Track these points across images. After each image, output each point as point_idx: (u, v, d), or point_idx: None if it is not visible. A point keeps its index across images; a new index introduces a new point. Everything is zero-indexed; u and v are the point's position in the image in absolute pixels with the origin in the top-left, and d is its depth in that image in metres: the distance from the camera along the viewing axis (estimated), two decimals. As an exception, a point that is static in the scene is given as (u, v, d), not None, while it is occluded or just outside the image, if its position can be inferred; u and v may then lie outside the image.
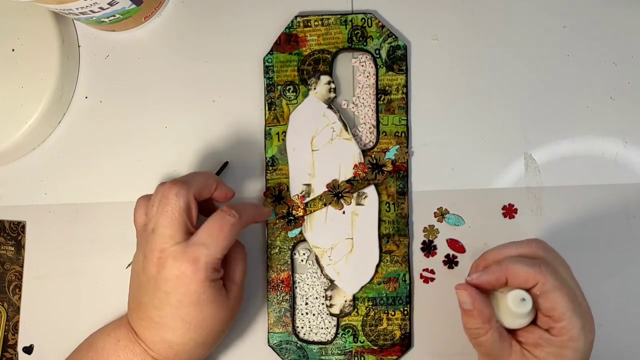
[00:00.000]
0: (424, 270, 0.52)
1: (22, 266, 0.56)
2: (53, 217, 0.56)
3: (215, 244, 0.43)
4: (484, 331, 0.40)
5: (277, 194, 0.53)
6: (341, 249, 0.52)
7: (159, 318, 0.44)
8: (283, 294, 0.52)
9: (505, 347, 0.40)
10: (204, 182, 0.46)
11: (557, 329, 0.39)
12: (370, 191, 0.52)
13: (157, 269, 0.43)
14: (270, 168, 0.54)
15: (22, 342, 0.56)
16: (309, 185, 0.53)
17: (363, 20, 0.53)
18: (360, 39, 0.53)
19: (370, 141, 0.53)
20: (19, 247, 0.56)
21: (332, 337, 0.52)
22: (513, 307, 0.39)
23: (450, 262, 0.52)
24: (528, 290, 0.39)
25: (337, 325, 0.52)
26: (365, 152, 0.53)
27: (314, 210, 0.53)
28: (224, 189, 0.48)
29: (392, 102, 0.53)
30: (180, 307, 0.43)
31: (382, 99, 0.53)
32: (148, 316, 0.45)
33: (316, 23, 0.54)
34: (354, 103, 0.54)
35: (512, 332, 0.41)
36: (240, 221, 0.45)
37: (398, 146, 0.52)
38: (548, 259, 0.41)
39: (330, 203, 0.53)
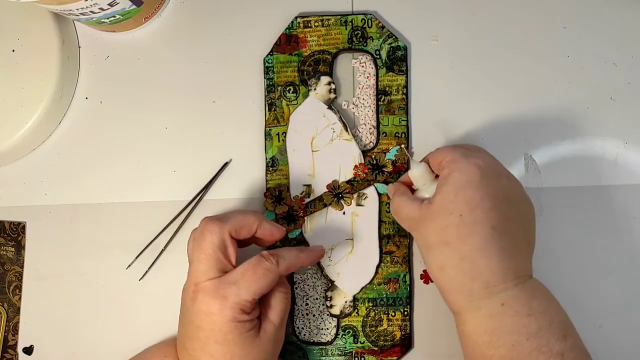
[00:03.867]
0: (424, 271, 0.52)
1: (22, 267, 0.56)
2: (53, 218, 0.56)
3: (246, 286, 0.43)
4: (397, 198, 0.47)
5: (277, 195, 0.53)
6: (341, 249, 0.52)
7: (192, 350, 0.44)
8: (283, 295, 0.52)
9: (415, 204, 0.45)
10: (243, 221, 0.46)
11: (444, 163, 0.44)
12: (371, 192, 0.52)
13: (191, 302, 0.44)
14: (271, 169, 0.54)
15: (22, 342, 0.56)
16: (309, 185, 0.53)
17: (363, 20, 0.53)
18: (361, 39, 0.54)
19: (370, 142, 0.53)
20: (19, 247, 0.56)
21: (333, 337, 0.52)
22: (411, 171, 0.47)
23: (451, 262, 0.52)
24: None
25: (338, 326, 0.52)
26: (365, 152, 0.53)
27: (314, 211, 0.53)
28: (267, 227, 0.47)
29: (392, 103, 0.53)
30: (207, 343, 0.43)
31: (382, 99, 0.53)
32: (183, 346, 0.46)
33: (316, 24, 0.54)
34: (354, 104, 0.54)
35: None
36: (277, 268, 0.44)
37: (398, 147, 0.52)
38: (469, 148, 0.47)
39: (330, 204, 0.53)
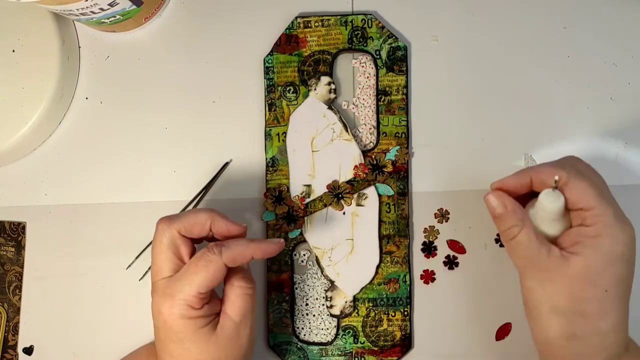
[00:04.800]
0: (424, 271, 0.52)
1: (22, 267, 0.56)
2: (53, 218, 0.56)
3: (189, 280, 0.42)
4: (518, 229, 0.39)
5: (277, 195, 0.53)
6: (341, 249, 0.52)
7: (158, 351, 0.45)
8: (283, 295, 0.52)
9: (543, 248, 0.39)
10: (193, 219, 0.44)
11: (589, 217, 0.38)
12: (371, 192, 0.52)
13: (151, 301, 0.44)
14: (271, 169, 0.54)
15: (22, 342, 0.56)
16: (309, 186, 0.53)
17: (363, 21, 0.53)
18: (361, 39, 0.54)
19: (370, 142, 0.53)
20: (19, 247, 0.56)
21: (333, 338, 0.52)
22: (546, 202, 0.39)
23: (451, 263, 0.52)
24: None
25: (338, 326, 0.52)
26: (365, 152, 0.53)
27: (314, 211, 0.53)
28: (222, 224, 0.45)
29: (393, 103, 0.53)
30: (165, 343, 0.43)
31: (382, 99, 0.53)
32: (154, 345, 0.46)
33: (316, 24, 0.54)
34: (354, 104, 0.54)
35: (552, 242, 0.40)
36: (219, 259, 0.42)
37: (398, 147, 0.52)
38: (574, 162, 0.41)
39: (330, 204, 0.53)
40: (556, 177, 0.39)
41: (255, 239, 0.46)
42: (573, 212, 0.40)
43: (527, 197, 0.43)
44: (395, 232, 0.52)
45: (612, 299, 0.38)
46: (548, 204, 0.39)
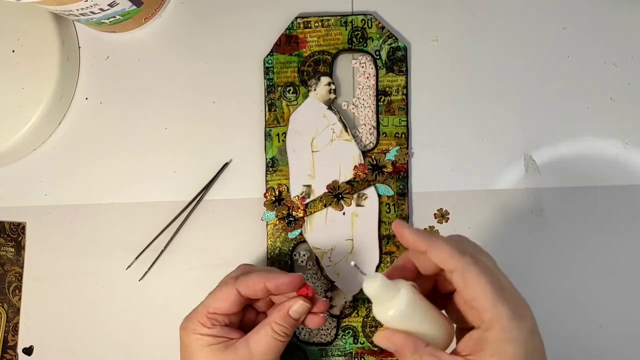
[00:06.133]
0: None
1: (22, 267, 0.56)
2: (53, 218, 0.56)
3: (204, 300, 0.45)
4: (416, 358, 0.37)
5: (277, 195, 0.53)
6: (341, 250, 0.52)
7: None
8: (283, 295, 0.52)
9: None
10: (260, 278, 0.44)
11: (486, 321, 0.36)
12: (371, 192, 0.52)
13: None
14: (271, 169, 0.54)
15: (22, 343, 0.56)
16: (309, 186, 0.53)
17: (363, 21, 0.53)
18: (361, 40, 0.54)
19: (370, 142, 0.53)
20: (19, 248, 0.56)
21: (332, 338, 0.52)
22: (366, 289, 0.37)
23: (451, 263, 0.52)
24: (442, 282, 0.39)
25: (337, 327, 0.52)
26: (365, 153, 0.53)
27: (314, 212, 0.53)
28: (274, 282, 0.44)
29: (392, 103, 0.53)
30: (184, 356, 0.45)
31: (382, 100, 0.53)
32: None
33: (316, 24, 0.54)
34: (354, 104, 0.54)
35: (455, 352, 0.38)
36: (234, 283, 0.44)
37: (398, 147, 0.52)
38: (472, 250, 0.38)
39: (330, 204, 0.53)
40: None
41: (275, 271, 0.46)
42: (467, 307, 0.38)
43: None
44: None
45: None
46: (368, 290, 0.37)
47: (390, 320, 0.37)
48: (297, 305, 0.44)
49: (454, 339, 0.39)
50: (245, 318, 0.47)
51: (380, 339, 0.38)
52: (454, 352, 0.37)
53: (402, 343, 0.37)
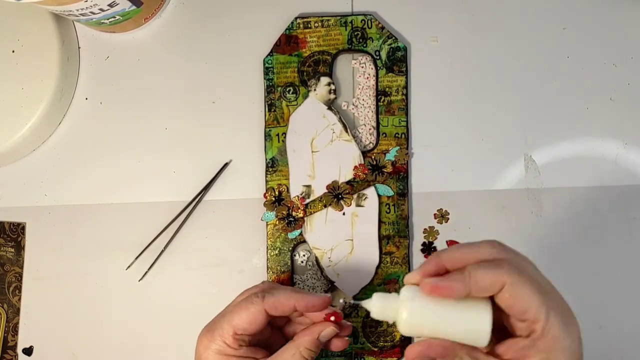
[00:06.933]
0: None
1: (22, 267, 0.56)
2: (53, 219, 0.56)
3: (229, 318, 0.42)
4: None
5: (277, 195, 0.53)
6: (341, 250, 0.52)
7: None
8: (283, 295, 0.52)
9: None
10: (288, 297, 0.43)
11: (537, 331, 0.35)
12: (370, 192, 0.52)
13: None
14: (270, 169, 0.54)
15: (22, 343, 0.56)
16: (309, 186, 0.53)
17: (363, 21, 0.53)
18: (360, 40, 0.54)
19: (370, 142, 0.53)
20: (19, 248, 0.56)
21: (332, 338, 0.52)
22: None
23: (450, 263, 0.52)
24: (493, 297, 0.36)
25: (337, 327, 0.52)
26: (365, 153, 0.53)
27: (314, 212, 0.53)
28: (302, 303, 0.43)
29: (392, 104, 0.53)
30: None
31: (382, 100, 0.53)
32: None
33: (316, 24, 0.54)
34: (354, 104, 0.54)
35: (494, 353, 0.37)
36: (261, 303, 0.42)
37: (398, 147, 0.52)
38: (509, 258, 0.37)
39: (330, 204, 0.53)
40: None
41: (303, 291, 0.46)
42: (516, 320, 0.36)
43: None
44: (395, 232, 0.52)
45: None
46: (375, 314, 0.37)
47: (410, 323, 0.36)
48: (328, 331, 0.43)
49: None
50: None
51: (411, 353, 0.36)
52: (494, 354, 0.36)
53: (433, 350, 0.36)
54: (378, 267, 0.52)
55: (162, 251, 0.54)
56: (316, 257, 0.53)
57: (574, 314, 0.37)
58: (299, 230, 0.53)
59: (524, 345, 0.35)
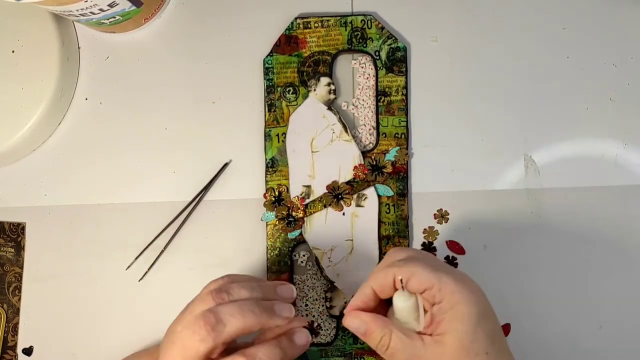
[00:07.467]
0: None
1: (21, 267, 0.56)
2: (53, 219, 0.56)
3: None
4: (387, 338, 0.40)
5: (277, 196, 0.53)
6: (341, 250, 0.52)
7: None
8: (283, 296, 0.52)
9: (417, 342, 0.39)
10: (243, 326, 0.41)
11: (437, 294, 0.39)
12: (370, 193, 0.52)
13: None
14: (270, 169, 0.54)
15: (22, 343, 0.56)
16: (308, 186, 0.53)
17: (363, 21, 0.53)
18: (360, 40, 0.53)
19: (370, 143, 0.53)
20: (19, 248, 0.56)
21: (332, 338, 0.52)
22: (398, 302, 0.40)
23: (450, 263, 0.52)
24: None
25: (337, 327, 0.52)
26: (365, 153, 0.53)
27: (314, 212, 0.53)
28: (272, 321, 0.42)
29: (392, 104, 0.53)
30: None
31: (382, 100, 0.53)
32: (157, 350, 0.44)
33: (316, 24, 0.54)
34: (353, 104, 0.54)
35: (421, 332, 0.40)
36: (212, 341, 0.40)
37: (398, 147, 0.52)
38: (401, 254, 0.42)
39: (330, 204, 0.53)
40: (400, 278, 0.40)
41: (280, 338, 0.44)
42: (423, 297, 0.40)
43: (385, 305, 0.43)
44: (394, 232, 0.52)
45: (495, 358, 0.38)
46: (401, 303, 0.40)
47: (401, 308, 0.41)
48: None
49: None
50: None
51: (350, 318, 0.41)
52: (420, 333, 0.40)
53: (372, 320, 0.40)
54: (378, 267, 0.52)
55: (162, 251, 0.54)
56: (316, 257, 0.53)
57: (473, 280, 0.41)
58: (298, 231, 0.53)
59: (435, 312, 0.39)
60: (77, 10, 0.49)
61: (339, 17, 0.54)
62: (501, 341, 0.40)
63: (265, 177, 0.54)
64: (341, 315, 0.52)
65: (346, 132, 0.53)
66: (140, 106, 0.56)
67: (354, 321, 0.41)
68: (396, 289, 0.41)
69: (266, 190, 0.53)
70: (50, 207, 0.56)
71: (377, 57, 0.53)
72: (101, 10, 0.50)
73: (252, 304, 0.42)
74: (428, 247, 0.52)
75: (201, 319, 0.40)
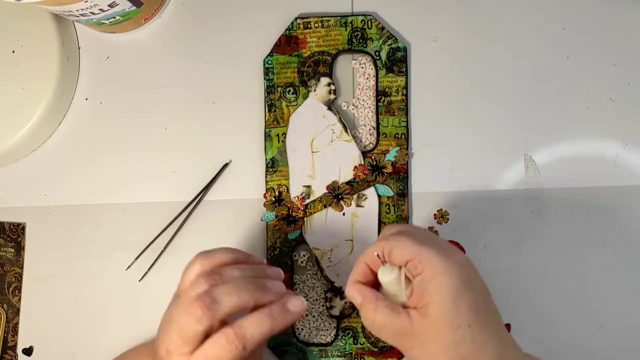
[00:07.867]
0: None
1: (22, 268, 0.56)
2: (53, 219, 0.56)
3: None
4: (372, 312, 0.40)
5: (277, 196, 0.53)
6: (341, 250, 0.52)
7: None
8: (283, 296, 0.52)
9: (402, 316, 0.39)
10: (237, 303, 0.41)
11: (418, 265, 0.39)
12: (370, 193, 0.52)
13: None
14: (270, 170, 0.54)
15: (22, 343, 0.56)
16: (309, 186, 0.53)
17: (363, 22, 0.53)
18: (360, 40, 0.54)
19: (370, 143, 0.53)
20: (19, 248, 0.56)
21: (332, 339, 0.52)
22: (382, 276, 0.41)
23: (450, 263, 0.52)
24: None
25: (337, 327, 0.52)
26: (365, 153, 0.53)
27: (314, 212, 0.53)
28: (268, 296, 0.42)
29: (392, 104, 0.53)
30: None
31: (382, 100, 0.53)
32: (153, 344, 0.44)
33: (316, 25, 0.54)
34: (354, 105, 0.54)
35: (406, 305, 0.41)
36: (243, 351, 0.40)
37: (398, 148, 0.52)
38: (393, 229, 0.43)
39: (330, 204, 0.53)
40: (375, 253, 0.41)
41: (266, 308, 0.42)
42: (408, 269, 0.40)
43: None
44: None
45: (480, 330, 0.38)
46: (384, 277, 0.40)
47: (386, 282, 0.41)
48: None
49: None
50: None
51: (350, 289, 0.42)
52: (406, 306, 0.40)
53: (365, 292, 0.41)
54: (378, 267, 0.52)
55: (162, 251, 0.54)
56: (316, 258, 0.53)
57: (460, 252, 0.41)
58: (298, 231, 0.53)
59: (418, 283, 0.39)
60: (77, 11, 0.49)
61: (339, 17, 0.54)
62: (487, 313, 0.39)
63: (266, 177, 0.54)
64: (341, 315, 0.52)
65: (346, 132, 0.53)
66: (140, 106, 0.56)
67: (351, 292, 0.42)
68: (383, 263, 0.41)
69: (266, 191, 0.53)
70: (50, 207, 0.56)
71: (377, 57, 0.53)
72: (101, 10, 0.50)
73: (245, 281, 0.42)
74: (428, 247, 0.52)
75: (196, 301, 0.40)
